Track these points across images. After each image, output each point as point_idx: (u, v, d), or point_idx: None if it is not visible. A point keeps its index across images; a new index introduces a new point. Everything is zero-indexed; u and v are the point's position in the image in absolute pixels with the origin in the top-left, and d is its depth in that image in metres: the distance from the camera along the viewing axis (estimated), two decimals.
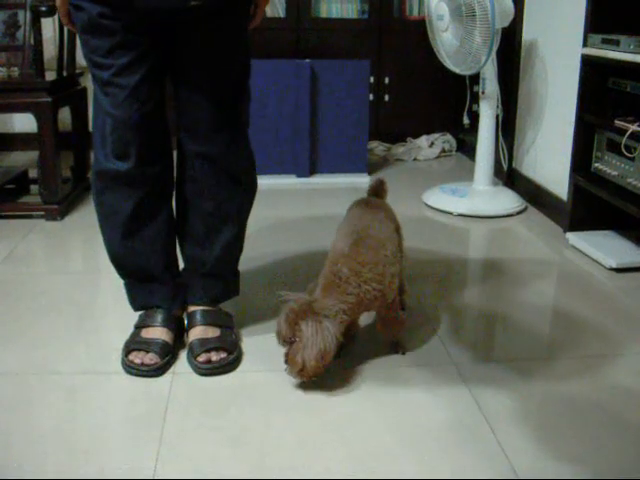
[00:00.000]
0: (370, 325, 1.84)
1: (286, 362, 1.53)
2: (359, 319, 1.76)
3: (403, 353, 1.73)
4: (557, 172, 2.79)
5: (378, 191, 1.87)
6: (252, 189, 1.76)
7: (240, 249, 1.80)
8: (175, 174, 1.71)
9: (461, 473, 1.29)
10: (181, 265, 1.79)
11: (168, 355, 1.66)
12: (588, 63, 2.44)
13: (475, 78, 3.21)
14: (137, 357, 1.63)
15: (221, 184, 1.67)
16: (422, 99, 4.05)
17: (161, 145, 1.63)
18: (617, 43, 2.23)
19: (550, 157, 2.91)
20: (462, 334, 1.84)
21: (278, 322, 1.53)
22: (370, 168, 3.48)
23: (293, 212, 2.89)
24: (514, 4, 2.73)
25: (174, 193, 1.72)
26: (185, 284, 1.76)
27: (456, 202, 2.93)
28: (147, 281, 1.72)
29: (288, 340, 1.52)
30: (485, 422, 1.45)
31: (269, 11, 3.93)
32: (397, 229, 1.79)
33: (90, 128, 1.61)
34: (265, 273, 2.21)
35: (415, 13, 4.05)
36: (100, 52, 1.50)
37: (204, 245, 1.72)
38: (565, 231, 2.60)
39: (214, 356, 1.64)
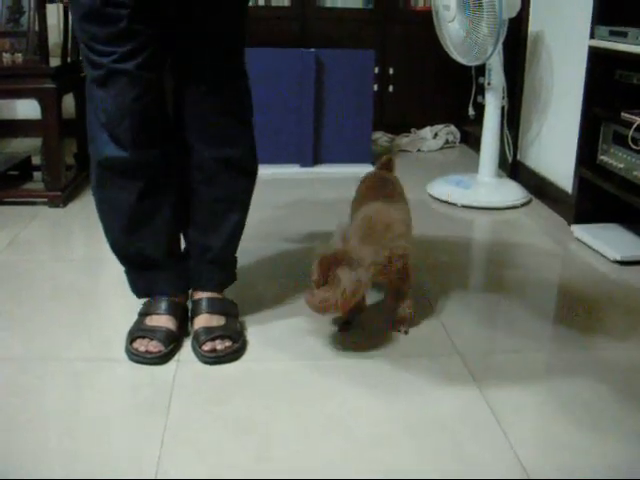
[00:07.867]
0: (373, 314, 1.83)
1: (310, 302, 1.56)
2: (367, 298, 1.78)
3: (406, 332, 1.75)
4: (562, 164, 2.78)
5: (388, 166, 1.99)
6: (254, 174, 1.76)
7: (241, 234, 1.79)
8: (179, 163, 1.68)
9: (466, 463, 1.29)
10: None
11: (172, 343, 1.66)
12: (595, 55, 2.43)
13: (480, 70, 3.20)
14: (141, 345, 1.63)
15: (227, 171, 1.67)
16: (427, 90, 4.04)
17: (161, 131, 1.61)
18: (625, 35, 2.22)
19: (555, 149, 2.90)
20: (467, 325, 1.84)
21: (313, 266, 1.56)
22: (374, 159, 3.47)
23: (296, 202, 2.88)
24: None
25: (177, 181, 1.68)
26: (188, 269, 1.75)
27: (460, 193, 2.92)
28: (150, 269, 1.71)
29: (317, 285, 1.54)
30: (490, 413, 1.44)
31: (274, 0, 3.91)
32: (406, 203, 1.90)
33: None
34: (268, 263, 2.20)
35: (420, 4, 4.03)
36: (101, 40, 1.47)
37: (210, 232, 1.71)
38: (570, 224, 2.59)
39: (219, 345, 1.63)
